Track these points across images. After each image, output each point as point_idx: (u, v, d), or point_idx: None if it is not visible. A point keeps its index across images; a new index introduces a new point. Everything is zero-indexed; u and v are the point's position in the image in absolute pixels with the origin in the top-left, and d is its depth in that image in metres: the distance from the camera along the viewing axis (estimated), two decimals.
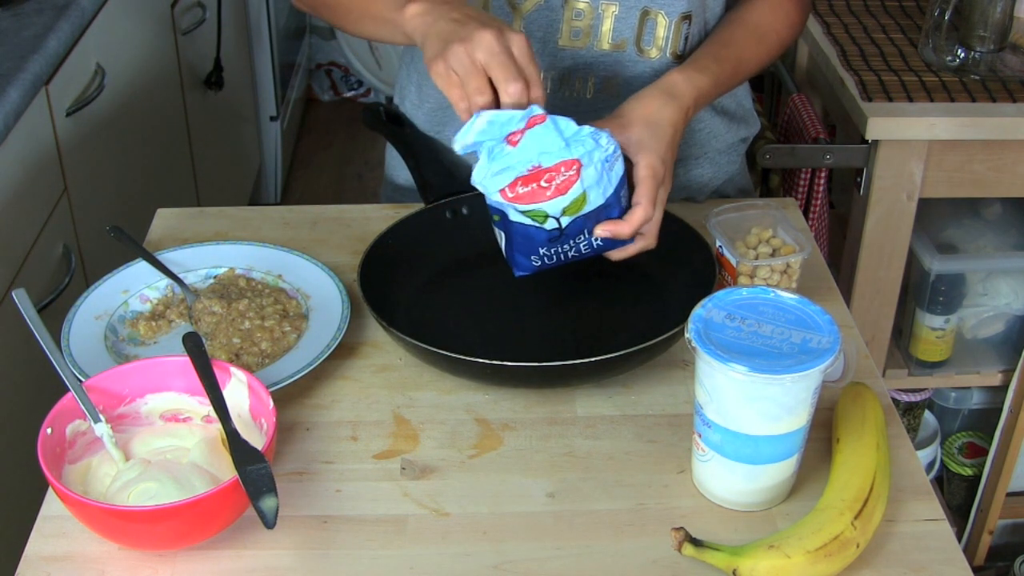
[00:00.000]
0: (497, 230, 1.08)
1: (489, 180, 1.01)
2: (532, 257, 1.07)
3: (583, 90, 1.25)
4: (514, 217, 1.04)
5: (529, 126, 1.00)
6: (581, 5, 1.21)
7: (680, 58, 1.25)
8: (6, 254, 1.50)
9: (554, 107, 1.25)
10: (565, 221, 1.03)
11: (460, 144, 1.00)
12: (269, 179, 3.27)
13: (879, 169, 1.66)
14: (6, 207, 1.49)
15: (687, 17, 1.23)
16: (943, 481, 2.10)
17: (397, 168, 1.43)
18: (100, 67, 1.84)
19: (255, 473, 0.86)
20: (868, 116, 1.62)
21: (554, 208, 1.02)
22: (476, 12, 1.02)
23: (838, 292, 1.21)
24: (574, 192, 1.01)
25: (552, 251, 1.07)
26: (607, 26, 1.22)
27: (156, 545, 0.90)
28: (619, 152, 1.03)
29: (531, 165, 1.00)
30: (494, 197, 1.03)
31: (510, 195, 1.02)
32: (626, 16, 1.22)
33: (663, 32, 1.23)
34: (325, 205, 1.36)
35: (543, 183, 1.01)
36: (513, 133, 1.00)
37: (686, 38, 1.24)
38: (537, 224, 1.04)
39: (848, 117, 1.71)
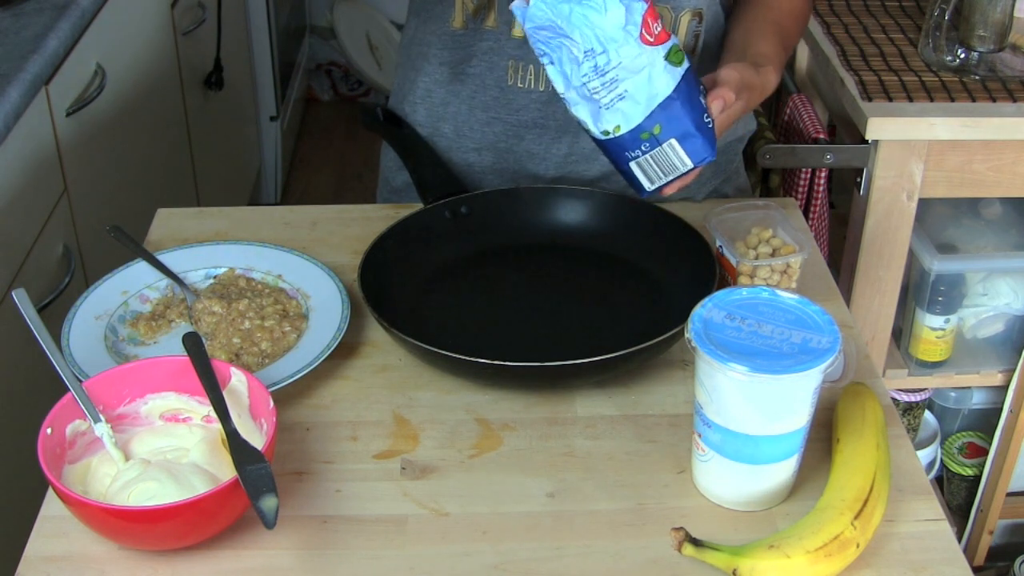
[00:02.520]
0: (646, 155, 1.02)
1: (624, 31, 0.95)
2: (705, 116, 1.02)
3: None
4: (667, 85, 0.99)
5: None
6: None
7: (691, 52, 1.25)
8: (6, 254, 1.50)
9: (556, 104, 1.27)
10: (688, 59, 1.01)
11: None
12: (269, 179, 3.27)
13: (879, 169, 1.66)
14: (6, 207, 1.49)
15: (698, 14, 1.23)
16: (943, 481, 2.10)
17: (393, 170, 1.43)
18: (100, 67, 1.84)
19: (255, 473, 0.86)
20: (868, 116, 1.62)
21: (677, 40, 1.00)
22: None
23: (838, 292, 1.21)
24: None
25: (704, 101, 1.03)
26: None
27: (156, 545, 0.90)
28: None
29: None
30: (631, 53, 0.97)
31: (650, 38, 0.97)
32: None
33: (668, 26, 1.23)
34: (325, 205, 1.36)
35: (657, 19, 0.98)
36: None
37: (696, 36, 1.25)
38: (681, 65, 0.99)
39: (848, 117, 1.71)
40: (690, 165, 1.03)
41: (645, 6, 0.97)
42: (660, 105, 0.99)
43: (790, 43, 1.28)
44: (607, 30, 0.96)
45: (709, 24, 1.26)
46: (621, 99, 0.99)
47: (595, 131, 1.03)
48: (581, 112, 1.02)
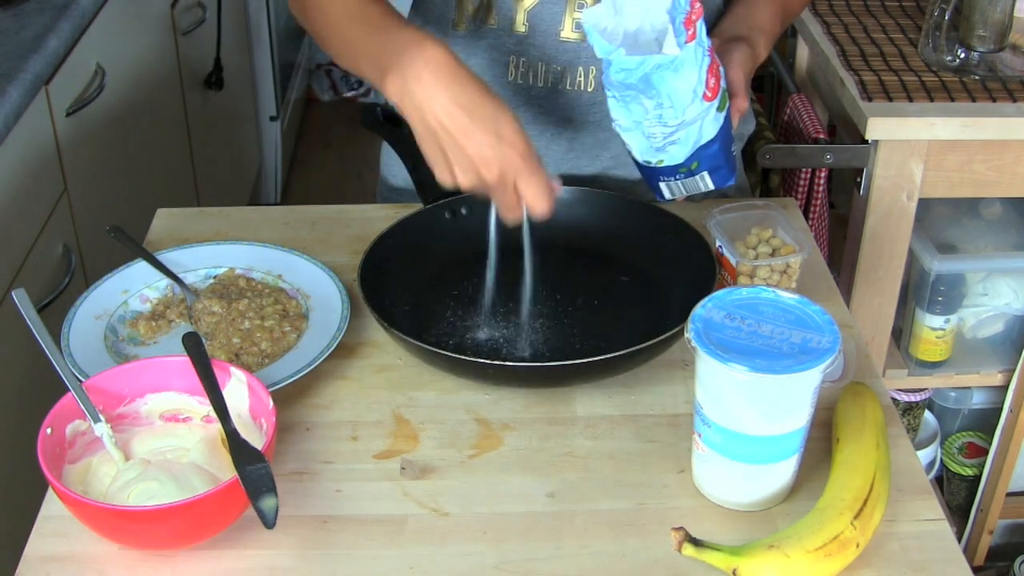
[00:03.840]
0: (678, 181, 1.11)
1: (693, 92, 1.01)
2: (732, 147, 1.11)
3: (584, 83, 1.25)
4: (712, 131, 1.06)
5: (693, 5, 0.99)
6: None
7: None
8: (6, 254, 1.50)
9: (555, 100, 1.27)
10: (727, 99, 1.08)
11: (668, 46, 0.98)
12: (269, 179, 3.27)
13: (879, 169, 1.66)
14: (6, 207, 1.49)
15: None
16: (943, 481, 2.10)
17: (392, 168, 1.43)
18: (100, 67, 1.84)
19: (255, 473, 0.87)
20: (868, 116, 1.62)
21: (725, 84, 1.06)
22: (453, 103, 0.96)
23: (838, 292, 1.21)
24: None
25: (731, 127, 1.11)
26: None
27: (156, 545, 0.90)
28: None
29: (709, 46, 1.01)
30: (694, 111, 1.02)
31: (710, 94, 1.03)
32: None
33: None
34: (325, 205, 1.36)
35: (715, 72, 1.03)
36: (688, 19, 0.98)
37: None
38: (724, 110, 1.06)
39: (848, 117, 1.71)
40: (712, 188, 1.12)
41: (709, 61, 1.02)
42: (702, 147, 1.07)
43: (790, 14, 1.31)
44: (680, 91, 1.01)
45: (708, 11, 1.26)
46: (672, 144, 1.06)
47: (638, 157, 1.10)
48: (631, 139, 1.08)
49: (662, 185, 1.13)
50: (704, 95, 1.02)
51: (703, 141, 1.07)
